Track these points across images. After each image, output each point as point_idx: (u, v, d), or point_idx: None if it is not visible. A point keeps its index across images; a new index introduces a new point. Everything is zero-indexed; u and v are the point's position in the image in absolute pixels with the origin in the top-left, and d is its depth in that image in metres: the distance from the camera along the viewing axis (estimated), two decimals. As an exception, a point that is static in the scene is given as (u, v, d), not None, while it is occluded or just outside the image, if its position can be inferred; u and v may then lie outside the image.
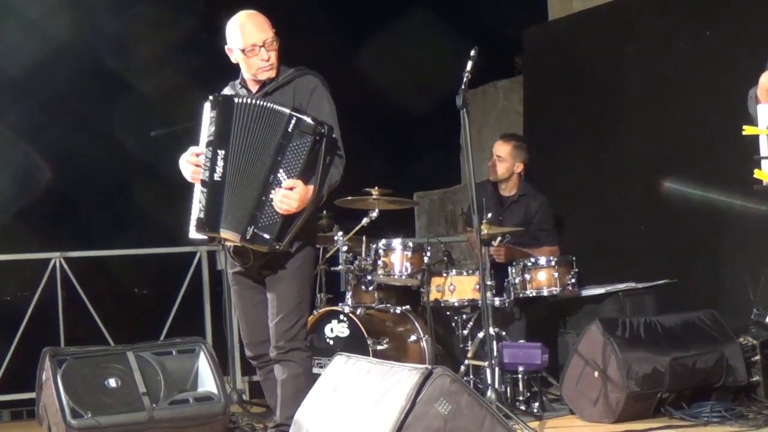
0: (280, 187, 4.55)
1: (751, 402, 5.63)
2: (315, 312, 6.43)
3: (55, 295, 7.49)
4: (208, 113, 4.69)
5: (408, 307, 6.60)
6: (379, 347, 6.18)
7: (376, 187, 6.54)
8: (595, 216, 7.97)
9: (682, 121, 7.32)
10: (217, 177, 4.65)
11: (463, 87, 5.38)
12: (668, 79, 7.46)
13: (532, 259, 6.53)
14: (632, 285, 6.84)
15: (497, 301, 6.36)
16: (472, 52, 5.45)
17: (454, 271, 6.52)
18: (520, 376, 6.06)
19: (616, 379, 5.43)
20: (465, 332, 6.47)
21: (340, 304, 6.52)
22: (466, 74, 5.44)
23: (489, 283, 6.10)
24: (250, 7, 4.81)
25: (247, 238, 4.60)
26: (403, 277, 6.49)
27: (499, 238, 6.56)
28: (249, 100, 4.65)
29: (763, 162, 4.43)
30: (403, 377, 3.90)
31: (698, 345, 5.64)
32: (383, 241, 6.52)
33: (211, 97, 4.70)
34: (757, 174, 4.45)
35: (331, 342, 6.35)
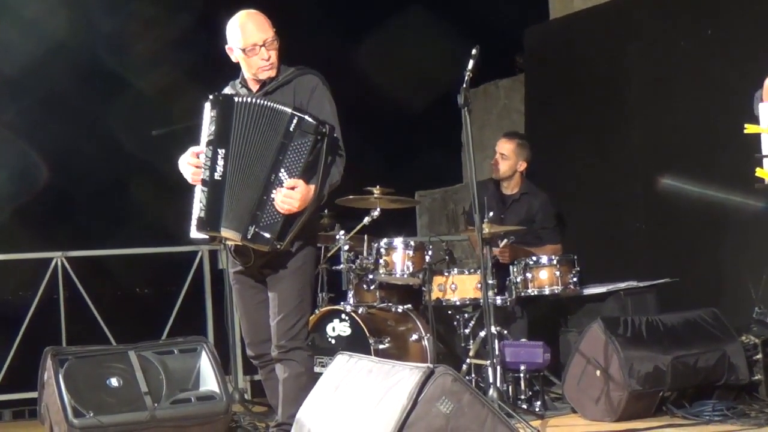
0: (282, 186, 4.55)
1: (753, 400, 5.63)
2: (317, 311, 6.43)
3: (56, 294, 7.49)
4: (208, 112, 4.68)
5: (410, 306, 6.60)
6: (380, 346, 6.18)
7: (378, 186, 6.54)
8: (597, 215, 7.97)
9: (683, 120, 7.32)
10: (217, 176, 4.64)
11: (464, 86, 5.38)
12: (669, 78, 7.46)
13: (534, 258, 6.53)
14: (634, 284, 6.84)
15: (499, 300, 6.36)
16: (474, 51, 5.45)
17: (455, 269, 6.51)
18: (521, 374, 6.06)
19: (618, 377, 5.43)
20: (467, 331, 6.47)
21: (342, 303, 6.52)
22: (468, 73, 5.43)
23: (490, 281, 6.10)
24: (247, 5, 4.81)
25: (248, 237, 4.59)
26: (405, 276, 6.49)
27: (505, 240, 6.57)
28: (249, 99, 4.65)
29: (765, 160, 4.43)
30: (405, 376, 3.89)
31: (700, 344, 5.63)
32: (385, 240, 6.52)
33: (211, 96, 4.70)
34: (758, 173, 4.44)
35: (333, 341, 6.34)
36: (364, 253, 6.52)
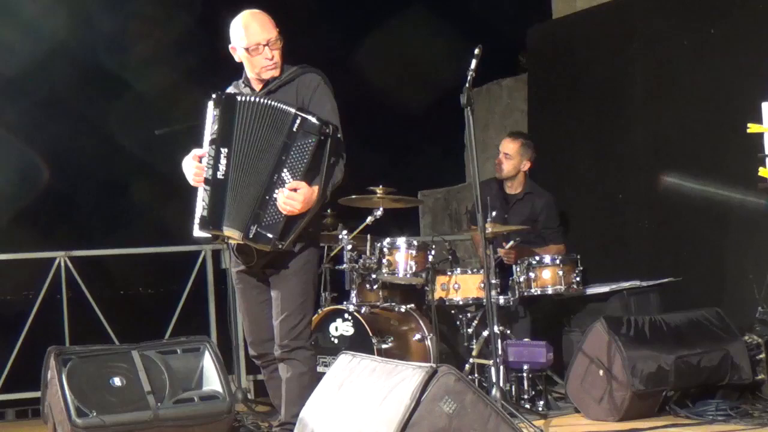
0: (284, 186, 4.54)
1: (756, 400, 5.63)
2: (320, 311, 6.43)
3: (59, 294, 7.50)
4: (211, 111, 4.68)
5: (412, 305, 6.59)
6: (383, 346, 6.18)
7: (381, 186, 6.54)
8: (600, 214, 7.97)
9: (686, 119, 7.31)
10: (220, 175, 4.64)
11: (467, 85, 5.37)
12: (672, 77, 7.45)
13: (537, 258, 6.53)
14: (637, 283, 6.83)
15: (502, 300, 6.36)
16: (477, 51, 5.44)
17: (458, 269, 6.51)
18: (524, 374, 6.06)
19: (621, 377, 5.43)
20: (470, 331, 6.46)
21: (345, 302, 6.51)
22: (471, 72, 5.43)
23: (494, 281, 6.10)
24: (249, 4, 4.81)
25: (250, 236, 4.59)
26: (408, 275, 6.48)
27: (511, 242, 6.57)
28: (252, 98, 4.64)
29: (768, 160, 4.43)
30: (408, 376, 3.89)
31: (703, 343, 5.63)
32: (388, 239, 6.51)
33: (214, 95, 4.70)
34: (762, 172, 4.45)
35: (336, 341, 6.34)
36: (367, 253, 6.52)
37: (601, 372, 5.54)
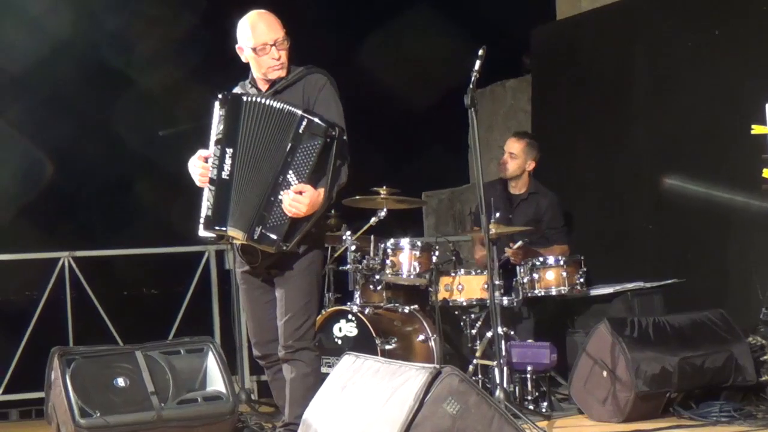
0: (289, 188, 4.54)
1: (760, 401, 5.61)
2: (323, 311, 6.43)
3: (63, 294, 7.50)
4: (217, 111, 4.68)
5: (416, 306, 6.59)
6: (387, 347, 6.18)
7: (384, 187, 6.55)
8: (603, 215, 7.97)
9: (690, 120, 7.31)
10: (225, 175, 4.64)
11: (471, 86, 5.38)
12: (676, 78, 7.45)
13: (541, 259, 6.53)
14: (641, 284, 6.83)
15: (506, 301, 6.36)
16: (480, 52, 5.45)
17: (462, 270, 6.51)
18: (528, 375, 6.06)
19: (625, 378, 5.43)
20: (473, 332, 6.46)
21: (349, 303, 6.52)
22: (474, 73, 5.43)
23: (497, 282, 6.10)
24: (254, 5, 4.81)
25: (255, 237, 4.59)
26: (412, 276, 6.48)
27: (519, 242, 6.57)
28: (258, 99, 4.64)
29: (772, 161, 4.43)
30: (412, 377, 3.89)
31: (707, 344, 5.63)
32: (391, 240, 6.52)
33: (220, 95, 4.69)
34: (765, 173, 4.44)
35: (340, 341, 6.34)
36: (371, 254, 6.53)
37: (604, 373, 5.53)
